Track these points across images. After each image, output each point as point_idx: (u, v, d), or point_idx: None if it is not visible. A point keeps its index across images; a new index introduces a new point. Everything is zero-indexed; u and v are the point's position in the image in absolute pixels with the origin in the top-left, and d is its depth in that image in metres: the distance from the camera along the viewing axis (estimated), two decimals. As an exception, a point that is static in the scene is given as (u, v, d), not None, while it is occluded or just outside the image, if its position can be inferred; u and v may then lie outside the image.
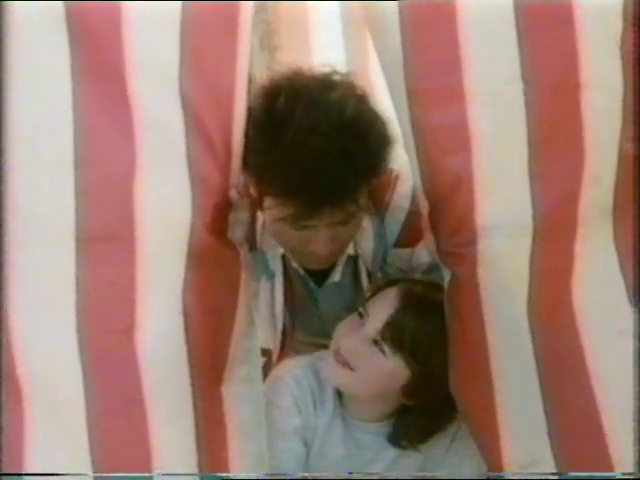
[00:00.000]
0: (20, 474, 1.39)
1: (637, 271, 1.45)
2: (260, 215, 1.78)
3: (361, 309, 1.63)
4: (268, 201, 1.62)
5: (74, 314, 1.37)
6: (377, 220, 1.82)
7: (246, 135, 1.46)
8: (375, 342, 1.58)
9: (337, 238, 1.66)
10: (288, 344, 1.95)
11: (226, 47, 1.39)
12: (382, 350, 1.57)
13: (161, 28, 1.37)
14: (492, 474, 1.50)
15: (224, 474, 1.45)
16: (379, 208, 1.81)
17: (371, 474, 1.66)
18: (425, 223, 1.50)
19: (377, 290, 1.67)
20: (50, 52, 1.35)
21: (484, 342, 1.45)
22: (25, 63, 1.34)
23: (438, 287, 1.61)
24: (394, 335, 1.57)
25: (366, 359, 1.58)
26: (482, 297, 1.44)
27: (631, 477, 1.43)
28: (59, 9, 1.34)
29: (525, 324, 1.44)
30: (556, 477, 1.46)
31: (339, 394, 1.70)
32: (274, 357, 1.96)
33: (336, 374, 1.62)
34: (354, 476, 1.66)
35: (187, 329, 1.41)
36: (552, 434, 1.46)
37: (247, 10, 1.39)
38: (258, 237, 1.84)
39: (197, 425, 1.42)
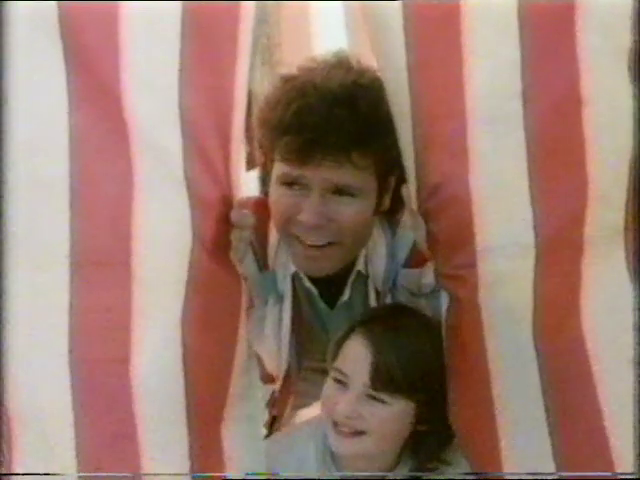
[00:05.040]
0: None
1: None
2: (274, 234, 1.76)
3: (335, 374, 1.58)
4: (274, 168, 1.64)
5: (66, 341, 1.34)
6: (390, 239, 1.78)
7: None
8: (371, 396, 1.53)
9: (331, 219, 1.61)
10: (296, 369, 1.90)
11: (226, 61, 1.36)
12: (382, 400, 1.53)
13: (159, 43, 1.34)
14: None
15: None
16: (392, 227, 1.78)
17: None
18: (423, 245, 1.47)
19: (338, 346, 1.61)
20: (46, 71, 1.33)
21: (486, 369, 1.41)
22: (20, 83, 1.33)
23: (398, 309, 1.65)
24: (385, 381, 1.52)
25: (372, 417, 1.53)
26: (484, 321, 1.41)
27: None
28: (54, 24, 1.32)
29: (530, 350, 1.40)
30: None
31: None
32: (278, 384, 1.92)
33: (347, 446, 1.57)
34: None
35: (185, 360, 1.37)
36: (560, 466, 1.42)
37: (247, 26, 1.36)
38: (270, 257, 1.79)
39: (193, 464, 1.39)
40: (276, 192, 1.65)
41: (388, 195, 1.70)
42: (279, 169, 1.63)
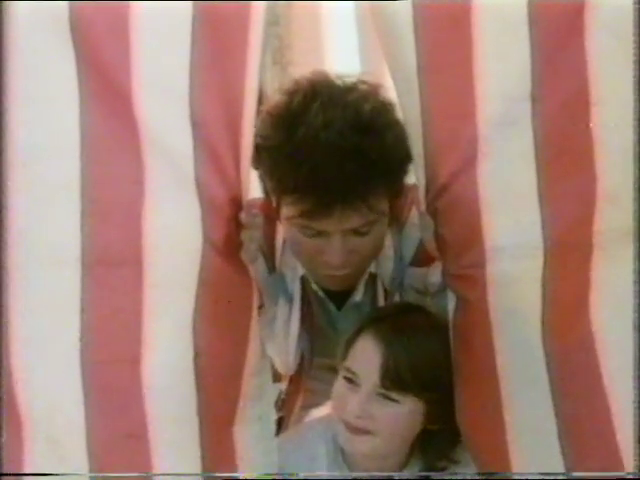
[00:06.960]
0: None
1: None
2: (280, 236, 1.75)
3: (346, 373, 1.58)
4: (285, 209, 1.59)
5: (77, 341, 1.35)
6: (397, 238, 1.77)
7: (262, 131, 1.50)
8: (381, 395, 1.53)
9: (353, 251, 1.61)
10: (306, 369, 1.90)
11: (236, 62, 1.36)
12: (392, 399, 1.53)
13: (170, 45, 1.35)
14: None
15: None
16: (399, 226, 1.77)
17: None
18: (431, 245, 1.47)
19: (348, 346, 1.61)
20: (57, 71, 1.33)
21: (494, 370, 1.41)
22: (30, 83, 1.33)
23: (407, 308, 1.65)
24: (395, 380, 1.52)
25: (382, 416, 1.53)
26: (492, 321, 1.40)
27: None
28: (65, 24, 1.32)
29: (539, 350, 1.40)
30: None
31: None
32: (286, 384, 1.92)
33: (358, 445, 1.57)
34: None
35: (196, 361, 1.37)
36: (569, 466, 1.41)
37: (258, 26, 1.36)
38: (277, 259, 1.80)
39: (204, 464, 1.38)
40: (294, 236, 1.64)
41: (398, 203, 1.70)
42: (293, 215, 1.59)
